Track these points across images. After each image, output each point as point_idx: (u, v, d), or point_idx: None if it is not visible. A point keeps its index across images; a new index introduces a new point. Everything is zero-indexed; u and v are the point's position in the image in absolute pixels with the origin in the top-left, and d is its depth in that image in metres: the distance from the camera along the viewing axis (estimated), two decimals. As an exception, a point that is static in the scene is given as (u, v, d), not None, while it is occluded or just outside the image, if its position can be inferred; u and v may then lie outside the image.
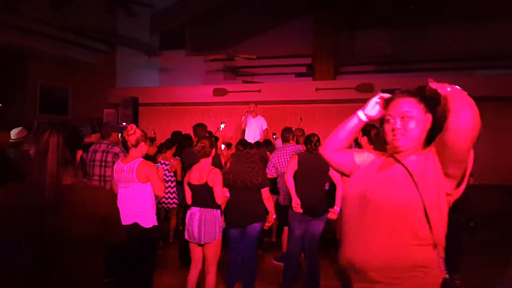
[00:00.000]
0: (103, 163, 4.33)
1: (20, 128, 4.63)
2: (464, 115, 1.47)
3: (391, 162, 1.69)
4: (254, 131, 7.78)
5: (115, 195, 3.48)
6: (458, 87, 1.57)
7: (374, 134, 4.08)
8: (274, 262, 5.24)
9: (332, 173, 4.21)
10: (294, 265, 4.12)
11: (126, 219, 3.29)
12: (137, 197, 3.35)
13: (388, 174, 1.66)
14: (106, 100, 10.14)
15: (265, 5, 10.16)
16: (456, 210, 5.05)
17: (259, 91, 9.47)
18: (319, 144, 4.25)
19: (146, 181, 3.37)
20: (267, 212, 4.09)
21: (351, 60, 10.57)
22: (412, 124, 1.65)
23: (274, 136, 7.28)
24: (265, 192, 4.01)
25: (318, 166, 4.08)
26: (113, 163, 4.16)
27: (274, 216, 4.10)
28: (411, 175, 1.58)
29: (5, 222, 1.63)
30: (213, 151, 3.78)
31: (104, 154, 4.34)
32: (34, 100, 8.76)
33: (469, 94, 1.59)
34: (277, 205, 4.81)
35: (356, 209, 1.64)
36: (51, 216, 1.60)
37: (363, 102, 7.33)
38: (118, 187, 3.45)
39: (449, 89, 1.57)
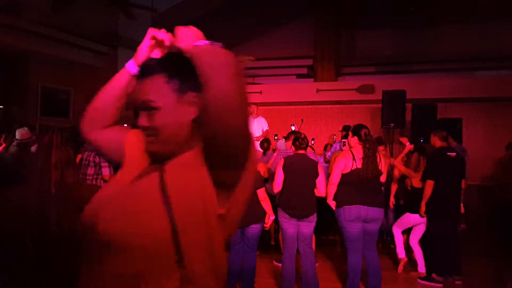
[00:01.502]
0: (96, 163, 4.36)
1: (26, 129, 4.65)
2: (220, 86, 0.94)
3: (153, 168, 1.08)
4: (254, 132, 7.78)
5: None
6: (211, 43, 1.05)
7: (364, 133, 4.05)
8: (275, 263, 5.23)
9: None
10: (291, 266, 4.11)
11: None
12: None
13: (137, 189, 1.05)
14: (107, 102, 10.15)
15: (266, 6, 10.17)
16: (446, 213, 5.07)
17: (260, 92, 9.47)
18: (307, 141, 4.24)
19: None
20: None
21: (352, 61, 10.57)
22: (162, 119, 1.06)
23: (276, 137, 7.28)
24: (261, 193, 3.97)
25: (306, 167, 4.08)
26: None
27: (272, 218, 4.07)
28: (165, 192, 0.99)
29: (11, 221, 1.65)
30: None
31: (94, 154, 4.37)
32: (35, 102, 8.77)
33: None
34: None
35: (88, 242, 1.03)
36: (56, 212, 1.62)
37: (364, 103, 7.45)
38: None
39: (197, 43, 1.03)
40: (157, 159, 1.09)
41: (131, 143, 1.20)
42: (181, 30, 1.09)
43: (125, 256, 0.97)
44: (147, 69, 1.10)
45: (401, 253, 4.99)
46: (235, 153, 0.99)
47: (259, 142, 6.77)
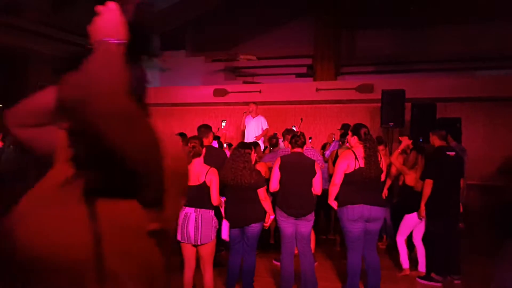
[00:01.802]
0: None
1: None
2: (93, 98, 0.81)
3: (80, 174, 0.98)
4: (253, 131, 7.77)
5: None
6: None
7: (364, 133, 4.04)
8: (274, 262, 5.23)
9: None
10: (290, 265, 4.11)
11: None
12: None
13: (61, 195, 0.95)
14: (107, 101, 10.14)
15: (265, 5, 10.17)
16: (445, 212, 5.05)
17: (260, 91, 9.48)
18: (303, 138, 4.22)
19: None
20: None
21: (352, 61, 10.58)
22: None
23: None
24: (261, 192, 3.96)
25: (303, 165, 4.07)
26: None
27: (272, 217, 4.07)
28: (89, 201, 0.91)
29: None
30: (204, 150, 3.72)
31: None
32: (35, 101, 8.78)
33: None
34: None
35: (7, 255, 0.93)
36: None
37: (363, 102, 7.44)
38: None
39: (101, 39, 0.94)
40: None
41: (60, 146, 1.06)
42: (100, 13, 0.96)
43: (47, 271, 0.87)
44: (62, 65, 0.99)
45: (405, 263, 4.94)
46: (134, 171, 0.88)
47: (268, 138, 6.74)
